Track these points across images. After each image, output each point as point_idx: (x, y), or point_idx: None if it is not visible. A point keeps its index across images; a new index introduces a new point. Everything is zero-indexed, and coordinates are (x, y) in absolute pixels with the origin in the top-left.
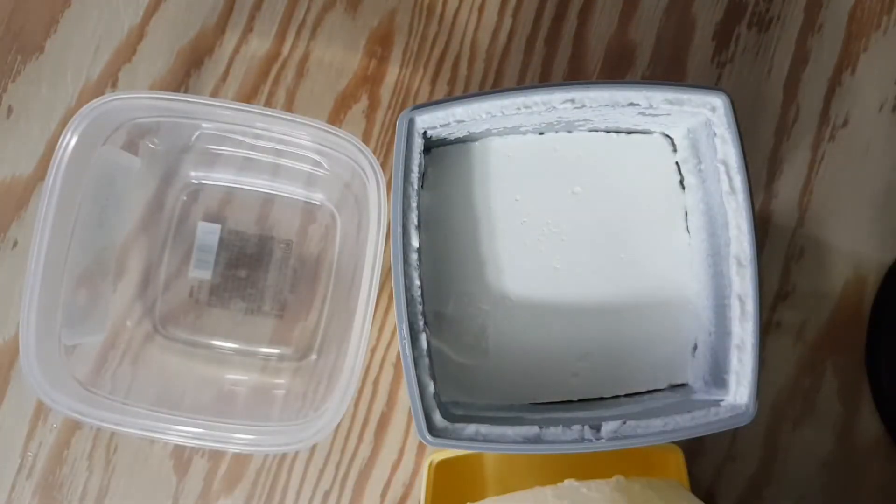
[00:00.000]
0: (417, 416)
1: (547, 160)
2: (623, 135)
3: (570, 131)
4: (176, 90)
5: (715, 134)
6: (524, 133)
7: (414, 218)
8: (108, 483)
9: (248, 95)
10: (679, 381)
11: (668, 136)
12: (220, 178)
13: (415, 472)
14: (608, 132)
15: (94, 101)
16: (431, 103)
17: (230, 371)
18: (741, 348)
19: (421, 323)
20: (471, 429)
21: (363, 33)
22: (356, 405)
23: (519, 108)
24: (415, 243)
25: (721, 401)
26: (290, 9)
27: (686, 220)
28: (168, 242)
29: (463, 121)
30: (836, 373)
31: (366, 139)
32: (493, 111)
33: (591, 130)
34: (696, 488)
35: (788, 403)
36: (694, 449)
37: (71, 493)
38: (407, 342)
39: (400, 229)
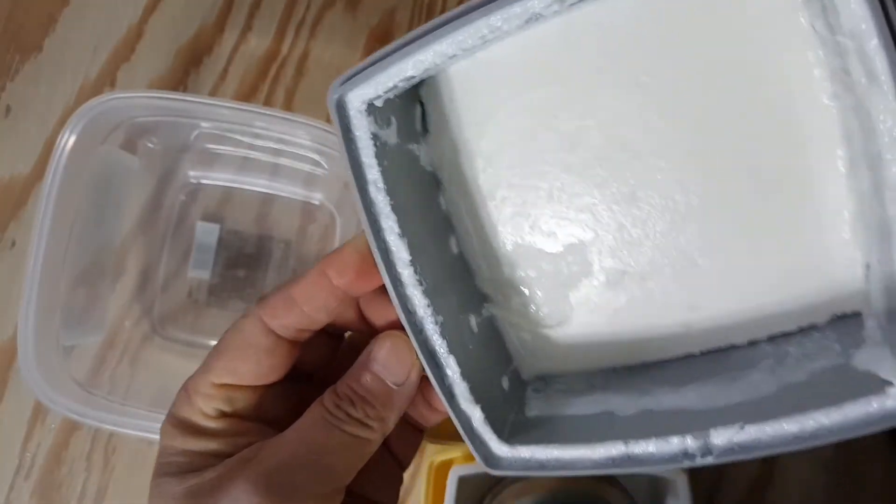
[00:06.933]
0: (472, 448)
1: (589, 44)
2: None
3: None
4: (174, 89)
5: None
6: (550, 17)
7: (395, 226)
8: (106, 484)
9: (247, 94)
10: (847, 311)
11: None
12: (218, 177)
13: (414, 474)
14: None
15: (93, 100)
16: (364, 67)
17: None
18: None
19: (443, 345)
20: (540, 454)
21: (363, 32)
22: None
23: (485, 33)
24: (404, 255)
25: (889, 384)
26: (289, 7)
27: (832, 82)
28: (166, 242)
29: (412, 76)
30: None
31: None
32: (451, 51)
33: None
34: (697, 489)
35: None
36: None
37: (69, 494)
38: (432, 376)
39: (377, 249)
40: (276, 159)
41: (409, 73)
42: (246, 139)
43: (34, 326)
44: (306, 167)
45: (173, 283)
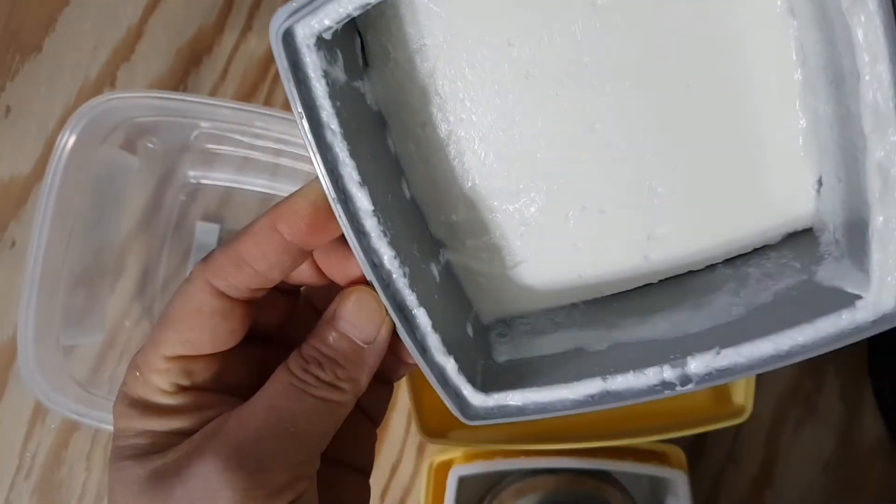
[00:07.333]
0: (447, 401)
1: None
2: None
3: None
4: (174, 89)
5: None
6: None
7: (354, 174)
8: (106, 484)
9: (247, 94)
10: (799, 227)
11: None
12: (218, 177)
13: (414, 474)
14: None
15: (93, 100)
16: None
17: None
18: (884, 238)
19: (412, 297)
20: (516, 399)
21: None
22: None
23: None
24: (366, 205)
25: (858, 297)
26: None
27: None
28: (166, 242)
29: (369, 3)
30: (838, 373)
31: None
32: None
33: None
34: (697, 489)
35: (790, 404)
36: (695, 449)
37: (69, 494)
38: (403, 330)
39: (336, 199)
40: (276, 159)
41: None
42: (246, 139)
43: (34, 326)
44: (306, 167)
45: (173, 283)
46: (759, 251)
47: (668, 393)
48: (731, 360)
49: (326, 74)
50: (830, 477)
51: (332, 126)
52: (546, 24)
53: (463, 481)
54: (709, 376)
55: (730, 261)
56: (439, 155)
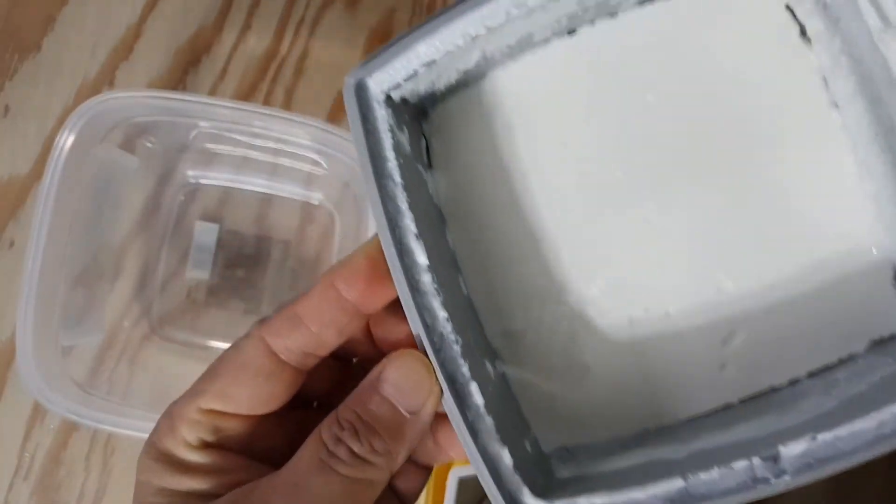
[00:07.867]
0: (494, 499)
1: (592, 71)
2: None
3: (612, 14)
4: (173, 89)
5: None
6: (545, 42)
7: (412, 226)
8: (105, 485)
9: (246, 94)
10: (885, 334)
11: None
12: (217, 177)
13: None
14: None
15: (91, 99)
16: (382, 51)
17: None
18: None
19: (465, 370)
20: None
21: (362, 31)
22: None
23: (511, 10)
24: (422, 259)
25: None
26: (288, 6)
27: (827, 89)
28: (165, 242)
29: (434, 60)
30: None
31: None
32: (474, 30)
33: (640, 3)
34: None
35: None
36: None
37: (68, 495)
38: (453, 405)
39: (394, 251)
40: (276, 159)
41: (431, 55)
42: (245, 139)
43: (33, 327)
44: (305, 167)
45: (172, 284)
46: (843, 361)
47: (761, 489)
48: (829, 445)
49: (392, 131)
50: (832, 477)
51: (395, 177)
52: (602, 123)
53: (463, 482)
54: (806, 466)
55: (813, 373)
56: (498, 257)
